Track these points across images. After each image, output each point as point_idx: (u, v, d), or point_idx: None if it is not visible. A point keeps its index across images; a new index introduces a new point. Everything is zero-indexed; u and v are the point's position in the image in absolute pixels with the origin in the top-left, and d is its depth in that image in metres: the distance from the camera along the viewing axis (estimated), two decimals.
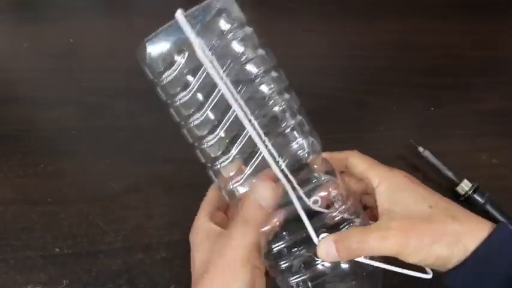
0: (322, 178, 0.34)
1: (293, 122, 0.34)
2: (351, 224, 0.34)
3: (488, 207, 0.50)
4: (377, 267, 0.34)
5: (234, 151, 0.32)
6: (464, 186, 0.51)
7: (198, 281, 0.31)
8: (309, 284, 0.33)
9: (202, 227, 0.34)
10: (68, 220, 0.45)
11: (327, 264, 0.33)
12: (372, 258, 0.34)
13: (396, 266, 0.33)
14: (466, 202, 0.50)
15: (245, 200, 0.30)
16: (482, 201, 0.50)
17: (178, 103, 0.32)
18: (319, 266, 0.33)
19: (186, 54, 0.30)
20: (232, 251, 0.30)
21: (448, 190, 0.52)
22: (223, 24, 0.31)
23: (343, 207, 0.34)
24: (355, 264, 0.33)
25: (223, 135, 0.32)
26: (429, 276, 0.35)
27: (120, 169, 0.50)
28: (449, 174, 0.51)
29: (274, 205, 0.30)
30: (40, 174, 0.48)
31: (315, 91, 0.61)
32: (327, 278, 0.33)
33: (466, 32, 0.72)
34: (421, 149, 0.52)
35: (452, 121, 0.60)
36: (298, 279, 0.33)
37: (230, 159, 0.32)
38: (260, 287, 0.33)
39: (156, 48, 0.30)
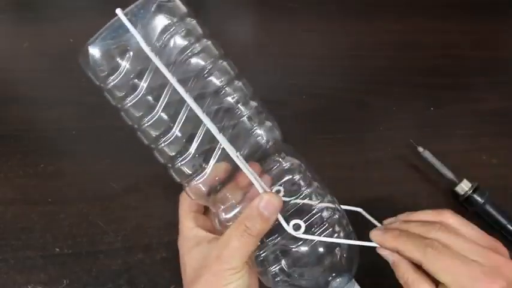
0: (284, 164, 0.34)
1: (247, 111, 0.33)
2: (319, 208, 0.34)
3: (488, 207, 0.50)
4: (352, 248, 0.35)
5: (192, 149, 0.31)
6: (464, 186, 0.50)
7: (192, 285, 0.32)
8: (287, 270, 0.33)
9: (191, 234, 0.34)
10: (68, 220, 0.45)
11: (302, 249, 0.33)
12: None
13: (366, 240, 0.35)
14: (466, 202, 0.50)
15: (249, 209, 0.30)
16: (482, 201, 0.50)
17: (128, 105, 0.31)
18: (295, 252, 0.33)
19: (131, 54, 0.29)
20: (232, 258, 0.30)
21: (448, 190, 0.52)
22: (164, 20, 0.30)
23: (308, 190, 0.34)
24: (330, 246, 0.34)
25: (179, 133, 0.31)
26: None
27: (120, 169, 0.50)
28: (449, 174, 0.51)
29: (275, 217, 0.30)
30: (40, 174, 0.48)
31: (315, 91, 0.61)
32: (304, 262, 0.33)
33: (466, 32, 0.72)
34: (420, 149, 0.52)
35: (452, 121, 0.60)
36: (276, 268, 0.33)
37: (190, 157, 0.31)
38: (255, 286, 0.34)
39: (99, 50, 0.29)
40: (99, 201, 0.47)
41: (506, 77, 0.67)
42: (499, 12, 0.77)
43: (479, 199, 0.50)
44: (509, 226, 0.49)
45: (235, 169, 0.32)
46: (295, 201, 0.33)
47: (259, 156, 0.33)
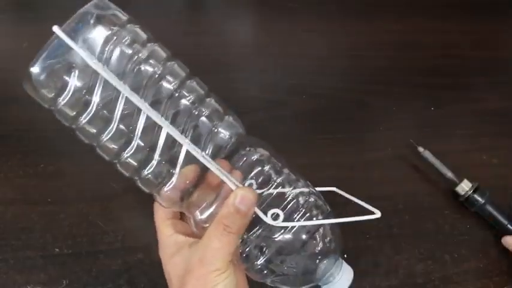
0: (252, 156, 0.34)
1: (205, 110, 0.32)
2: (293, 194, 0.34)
3: (488, 207, 0.50)
4: (334, 229, 0.35)
5: (156, 156, 0.30)
6: (464, 186, 0.50)
7: None
8: (273, 261, 0.33)
9: (170, 242, 0.34)
10: (68, 220, 0.45)
11: (285, 238, 0.33)
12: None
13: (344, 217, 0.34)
14: (466, 202, 0.50)
15: (226, 207, 0.30)
16: (482, 201, 0.50)
17: (82, 123, 0.30)
18: (278, 242, 0.33)
19: (76, 70, 0.28)
20: (215, 259, 0.30)
21: (448, 190, 0.52)
22: (105, 31, 0.28)
23: (280, 178, 0.34)
24: (311, 231, 0.34)
25: (140, 143, 0.30)
26: (378, 215, 0.35)
27: None
28: (449, 174, 0.51)
29: (253, 211, 0.30)
30: (40, 174, 0.48)
31: (315, 91, 0.61)
32: (288, 251, 0.33)
33: (466, 32, 0.72)
34: (421, 149, 0.52)
35: (452, 121, 0.60)
36: (262, 261, 0.33)
37: (155, 165, 0.30)
38: (243, 283, 0.34)
39: (42, 72, 0.28)
40: (99, 201, 0.47)
41: (506, 77, 0.67)
42: (499, 12, 0.77)
43: (479, 199, 0.50)
44: (509, 226, 0.49)
45: (204, 170, 0.31)
46: (269, 191, 0.33)
47: (226, 153, 0.33)
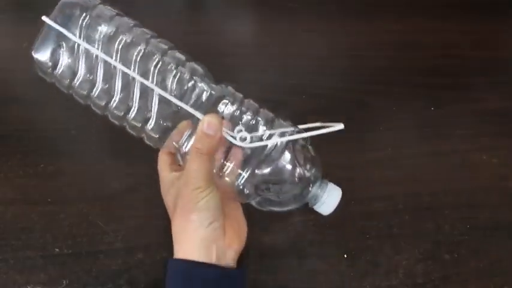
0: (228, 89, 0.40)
1: (169, 59, 0.38)
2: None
3: None
4: (313, 159, 0.40)
5: (135, 103, 0.37)
6: None
7: (173, 216, 0.37)
8: (258, 186, 0.38)
9: (168, 179, 0.40)
10: (68, 220, 0.45)
11: (267, 169, 0.37)
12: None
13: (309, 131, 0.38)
14: None
15: (196, 133, 0.35)
16: None
17: (75, 88, 0.38)
18: (263, 174, 0.38)
19: (64, 45, 0.37)
20: (195, 179, 0.35)
21: (448, 189, 0.52)
22: (80, 13, 0.37)
23: (243, 109, 0.39)
24: (290, 160, 0.38)
25: (121, 95, 0.37)
26: (341, 126, 0.39)
27: (120, 169, 0.50)
28: None
29: (220, 133, 0.35)
30: (40, 174, 0.48)
31: (315, 91, 0.61)
32: (275, 180, 0.38)
33: (466, 32, 0.72)
34: None
35: (452, 121, 0.60)
36: (257, 192, 0.38)
37: (135, 111, 0.37)
38: (235, 204, 0.40)
39: (41, 53, 0.37)
40: (99, 201, 0.47)
41: (506, 77, 0.67)
42: (499, 12, 0.77)
43: None
44: None
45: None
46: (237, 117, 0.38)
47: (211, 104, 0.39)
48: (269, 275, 0.44)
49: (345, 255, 0.46)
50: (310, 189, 0.39)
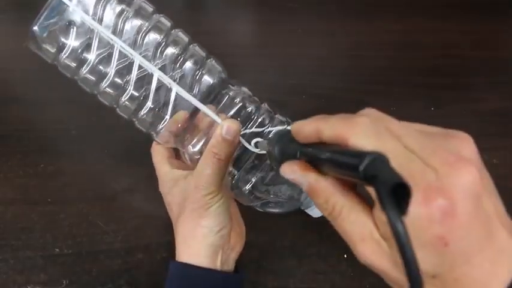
0: (232, 94, 0.38)
1: (188, 55, 0.36)
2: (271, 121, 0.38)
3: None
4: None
5: (150, 99, 0.35)
6: None
7: (179, 218, 0.35)
8: (259, 189, 0.37)
9: (169, 177, 0.38)
10: (68, 220, 0.45)
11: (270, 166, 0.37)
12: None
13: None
14: None
15: (214, 137, 0.34)
16: None
17: (83, 74, 0.34)
18: (263, 174, 0.37)
19: (75, 28, 0.32)
20: (208, 184, 0.34)
21: None
22: None
23: (260, 111, 0.38)
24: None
25: (135, 89, 0.34)
26: None
27: (120, 169, 0.50)
28: None
29: (238, 139, 0.34)
30: (40, 174, 0.48)
31: (315, 91, 0.61)
32: (271, 181, 0.37)
33: (466, 32, 0.72)
34: None
35: (452, 121, 0.59)
36: (249, 189, 0.37)
37: (149, 107, 0.35)
38: (234, 209, 0.39)
39: (45, 30, 0.32)
40: (99, 201, 0.47)
41: (506, 77, 0.67)
42: (499, 12, 0.77)
43: None
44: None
45: (193, 113, 0.36)
46: (251, 125, 0.37)
47: (213, 94, 0.37)
48: (269, 275, 0.44)
49: (345, 255, 0.46)
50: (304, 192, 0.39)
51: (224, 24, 0.71)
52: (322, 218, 0.43)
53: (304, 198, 0.39)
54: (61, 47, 0.32)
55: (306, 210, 0.41)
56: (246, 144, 0.35)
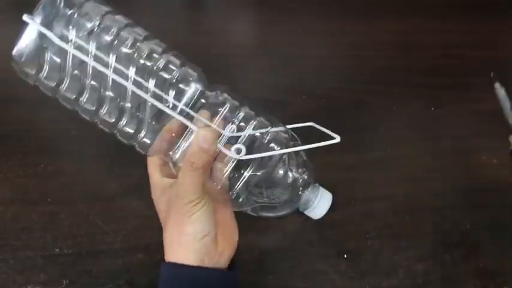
0: (219, 98, 0.38)
1: (162, 64, 0.36)
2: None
3: None
4: (304, 160, 0.39)
5: (127, 112, 0.35)
6: None
7: (166, 225, 0.36)
8: (251, 193, 0.37)
9: (158, 184, 0.39)
10: (68, 220, 0.45)
11: (262, 174, 0.37)
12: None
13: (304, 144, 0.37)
14: None
15: (191, 146, 0.34)
16: None
17: (62, 92, 0.35)
18: (253, 175, 0.37)
19: (49, 49, 0.33)
20: (188, 193, 0.34)
21: (448, 190, 0.52)
22: (67, 11, 0.34)
23: (239, 115, 0.37)
24: (281, 166, 0.38)
25: (112, 103, 0.35)
26: (337, 140, 0.38)
27: (120, 169, 0.50)
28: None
29: (215, 146, 0.34)
30: (40, 174, 0.48)
31: (315, 91, 0.61)
32: (264, 183, 0.38)
33: (466, 32, 0.72)
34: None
35: (452, 121, 0.60)
36: (241, 193, 0.37)
37: (127, 119, 0.36)
38: (223, 214, 0.38)
39: (23, 55, 0.33)
40: (99, 201, 0.47)
41: (506, 77, 0.67)
42: (499, 12, 0.77)
43: None
44: None
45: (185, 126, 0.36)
46: (232, 129, 0.37)
47: (192, 102, 0.37)
48: (269, 275, 0.44)
49: (345, 255, 0.46)
50: (301, 193, 0.39)
51: (224, 24, 0.71)
52: (322, 218, 0.43)
53: (302, 200, 0.39)
54: (38, 70, 0.34)
55: (305, 212, 0.41)
56: (225, 151, 0.34)
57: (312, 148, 0.37)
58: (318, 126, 0.41)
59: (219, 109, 0.37)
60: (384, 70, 0.65)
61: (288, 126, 0.40)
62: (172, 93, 0.35)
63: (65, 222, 0.45)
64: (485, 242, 0.48)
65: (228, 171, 0.36)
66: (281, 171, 0.38)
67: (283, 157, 0.38)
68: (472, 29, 0.73)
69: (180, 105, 0.36)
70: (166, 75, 0.36)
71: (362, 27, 0.71)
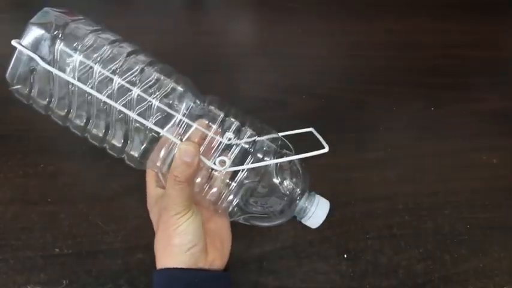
0: (209, 108, 0.38)
1: (144, 77, 0.36)
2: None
3: None
4: (298, 167, 0.38)
5: (113, 127, 0.36)
6: None
7: (156, 235, 0.37)
8: (245, 202, 0.37)
9: (152, 194, 0.40)
10: (68, 220, 0.45)
11: (252, 184, 0.36)
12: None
13: (295, 154, 0.37)
14: None
15: (174, 160, 0.34)
16: None
17: (53, 109, 0.37)
18: (243, 185, 0.36)
19: (36, 71, 0.35)
20: (174, 205, 0.34)
21: (448, 190, 0.52)
22: (56, 32, 0.35)
23: (224, 126, 0.37)
24: (275, 174, 0.37)
25: (99, 119, 0.36)
26: (325, 150, 0.37)
27: (120, 169, 0.49)
28: None
29: (198, 160, 0.34)
30: (40, 174, 0.48)
31: (315, 91, 0.61)
32: (261, 194, 0.37)
33: (466, 32, 0.72)
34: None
35: (452, 121, 0.60)
36: (233, 203, 0.37)
37: (114, 133, 0.36)
38: (215, 224, 0.39)
39: (15, 77, 0.35)
40: (99, 201, 0.47)
41: (506, 77, 0.67)
42: (499, 12, 0.77)
43: None
44: None
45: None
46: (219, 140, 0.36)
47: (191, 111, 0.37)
48: (269, 275, 0.44)
49: (345, 255, 0.46)
50: (297, 202, 0.38)
51: (224, 24, 0.71)
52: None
53: (297, 208, 0.39)
54: (30, 89, 0.36)
55: (302, 221, 0.40)
56: (209, 164, 0.34)
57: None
58: (316, 134, 0.41)
59: (212, 120, 0.37)
60: (384, 70, 0.65)
61: (286, 133, 0.40)
62: (164, 107, 0.36)
63: (65, 222, 0.45)
64: (485, 242, 0.48)
65: (218, 183, 0.36)
66: (274, 180, 0.38)
67: (276, 166, 0.38)
68: (472, 29, 0.73)
69: (178, 117, 0.36)
70: (155, 91, 0.36)
71: (362, 27, 0.71)
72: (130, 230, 0.45)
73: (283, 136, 0.40)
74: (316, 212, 0.39)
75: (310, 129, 0.42)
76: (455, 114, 0.61)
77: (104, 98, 0.34)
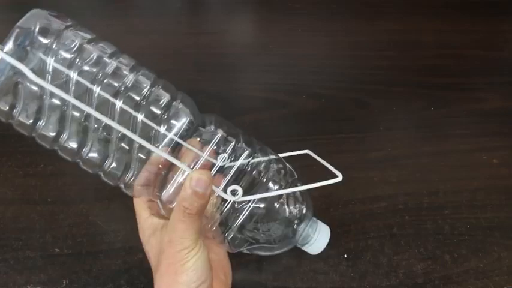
0: (211, 130, 0.35)
1: (151, 99, 0.33)
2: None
3: None
4: (302, 193, 0.37)
5: (112, 152, 0.32)
6: None
7: (157, 272, 0.33)
8: (247, 230, 0.35)
9: (147, 224, 0.36)
10: (68, 220, 0.45)
11: (255, 208, 0.35)
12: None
13: (307, 183, 0.35)
14: None
15: (183, 190, 0.31)
16: None
17: (39, 131, 0.32)
18: (248, 213, 0.35)
19: (24, 83, 0.30)
20: (182, 239, 0.31)
21: (448, 190, 0.52)
22: (44, 41, 0.30)
23: (237, 153, 0.35)
24: (278, 201, 0.36)
25: (96, 142, 0.32)
26: (339, 178, 0.36)
27: None
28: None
29: (211, 190, 0.31)
30: (40, 174, 0.48)
31: (315, 91, 0.61)
32: (260, 220, 0.35)
33: (466, 32, 0.72)
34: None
35: (452, 121, 0.60)
36: (235, 232, 0.35)
37: (112, 159, 0.33)
38: (217, 256, 0.37)
39: None
40: (99, 201, 0.47)
41: (506, 77, 0.67)
42: (499, 12, 0.77)
43: None
44: None
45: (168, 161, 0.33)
46: (229, 166, 0.34)
47: (190, 134, 0.34)
48: (269, 275, 0.44)
49: (345, 255, 0.46)
50: (299, 229, 0.38)
51: (224, 24, 0.71)
52: (322, 218, 0.43)
53: (299, 234, 0.38)
54: (12, 106, 0.31)
55: (303, 248, 0.40)
56: (223, 195, 0.32)
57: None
58: (313, 155, 0.40)
59: (210, 140, 0.35)
60: (384, 70, 0.65)
61: (283, 155, 0.39)
62: (163, 128, 0.33)
63: (65, 222, 0.45)
64: (485, 242, 0.48)
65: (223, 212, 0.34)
66: (278, 206, 0.36)
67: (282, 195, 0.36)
68: (472, 28, 0.73)
69: (170, 136, 0.33)
70: (155, 109, 0.33)
71: (362, 27, 0.71)
72: (130, 230, 0.45)
73: (281, 157, 0.38)
74: (318, 238, 0.38)
75: (307, 151, 0.41)
76: (455, 114, 0.61)
77: (114, 125, 0.30)
